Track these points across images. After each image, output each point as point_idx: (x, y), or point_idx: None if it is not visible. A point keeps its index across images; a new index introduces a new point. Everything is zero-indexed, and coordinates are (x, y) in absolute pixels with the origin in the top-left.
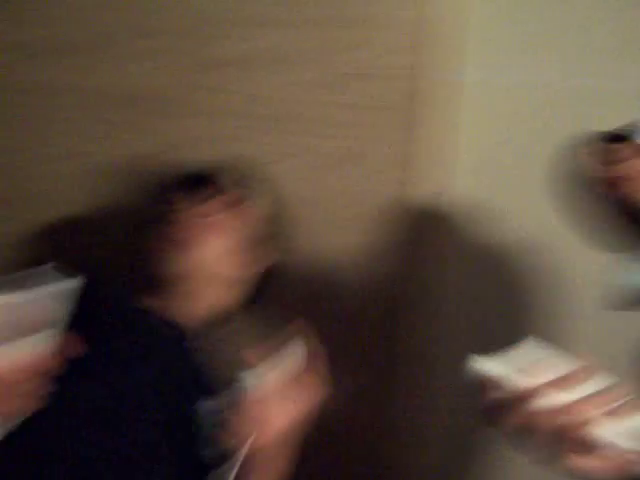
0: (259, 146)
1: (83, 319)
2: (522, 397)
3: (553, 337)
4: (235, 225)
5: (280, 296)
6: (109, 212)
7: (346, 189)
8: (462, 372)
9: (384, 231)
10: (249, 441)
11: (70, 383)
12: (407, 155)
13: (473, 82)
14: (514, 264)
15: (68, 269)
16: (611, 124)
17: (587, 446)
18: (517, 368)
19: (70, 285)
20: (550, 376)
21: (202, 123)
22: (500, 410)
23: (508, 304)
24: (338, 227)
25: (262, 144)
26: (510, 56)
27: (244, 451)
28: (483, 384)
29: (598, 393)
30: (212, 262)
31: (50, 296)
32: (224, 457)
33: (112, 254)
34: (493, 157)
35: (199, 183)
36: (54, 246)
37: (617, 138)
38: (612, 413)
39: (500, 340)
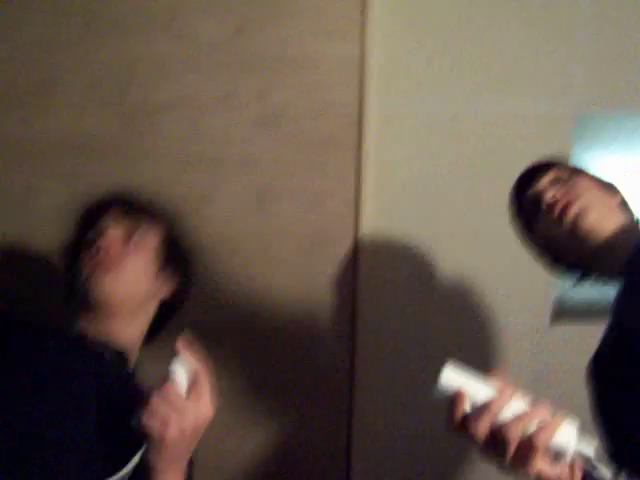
0: (198, 187)
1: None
2: (490, 408)
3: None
4: (150, 248)
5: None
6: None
7: (281, 224)
8: (432, 388)
9: (330, 268)
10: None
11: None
12: (343, 191)
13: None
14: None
15: None
16: (537, 149)
17: (552, 452)
18: (476, 383)
19: None
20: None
21: (141, 166)
22: (471, 422)
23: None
24: (275, 262)
25: (201, 185)
26: (433, 87)
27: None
28: (452, 398)
29: (534, 407)
30: (139, 284)
31: None
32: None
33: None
34: (416, 189)
35: (121, 210)
36: None
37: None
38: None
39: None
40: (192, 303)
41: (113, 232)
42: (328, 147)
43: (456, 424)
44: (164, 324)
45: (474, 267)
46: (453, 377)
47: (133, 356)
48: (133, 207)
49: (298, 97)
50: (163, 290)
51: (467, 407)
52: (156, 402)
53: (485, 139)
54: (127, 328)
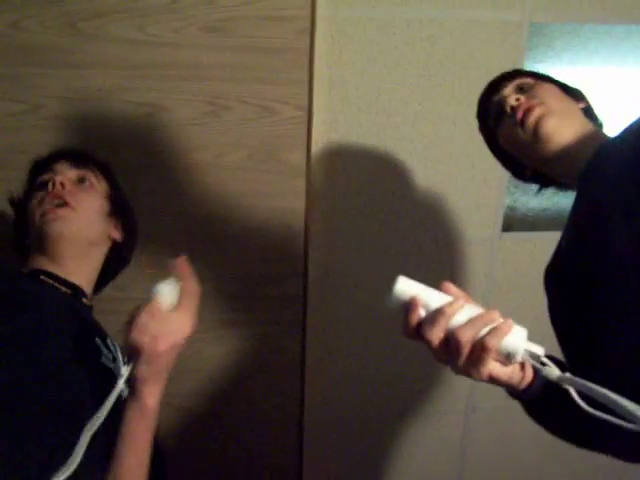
0: (149, 94)
1: None
2: (445, 313)
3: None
4: (101, 191)
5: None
6: None
7: (234, 132)
8: (385, 295)
9: (281, 177)
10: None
11: None
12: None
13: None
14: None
15: None
16: (491, 56)
17: (503, 355)
18: (431, 290)
19: None
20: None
21: (90, 73)
22: (425, 327)
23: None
24: (228, 170)
25: (153, 91)
26: None
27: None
28: (407, 305)
29: (485, 312)
30: (92, 222)
31: None
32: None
33: None
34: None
35: (71, 154)
36: None
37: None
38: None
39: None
40: (147, 210)
41: (68, 173)
42: (280, 53)
43: (411, 330)
44: (113, 273)
45: (428, 178)
46: (407, 284)
47: (88, 296)
48: (81, 158)
49: (248, 1)
50: (112, 235)
51: (422, 313)
52: (144, 317)
53: (439, 46)
54: (78, 269)
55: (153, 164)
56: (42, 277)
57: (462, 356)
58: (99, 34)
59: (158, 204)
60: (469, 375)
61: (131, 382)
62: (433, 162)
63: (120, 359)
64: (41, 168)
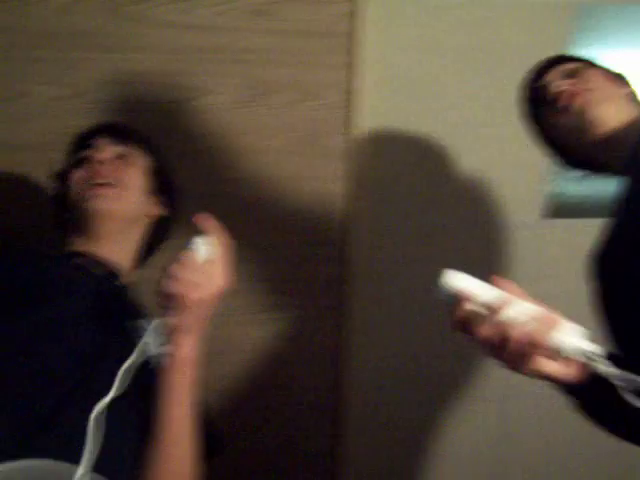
0: (193, 78)
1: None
2: (494, 307)
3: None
4: (142, 168)
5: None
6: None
7: (275, 116)
8: (435, 288)
9: (323, 161)
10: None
11: None
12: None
13: None
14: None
15: None
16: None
17: (554, 350)
18: (480, 284)
19: None
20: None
21: (135, 57)
22: (473, 321)
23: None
24: (270, 154)
25: (197, 75)
26: None
27: (177, 313)
28: (456, 298)
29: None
30: (132, 200)
31: None
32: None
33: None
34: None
35: (114, 129)
36: None
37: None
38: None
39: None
40: (191, 193)
41: (109, 149)
42: (323, 36)
43: (458, 324)
44: (153, 249)
45: (471, 163)
46: (456, 278)
47: (124, 276)
48: (123, 134)
49: None
50: (151, 213)
51: (470, 307)
52: (177, 268)
53: (486, 29)
54: (117, 248)
55: (196, 148)
56: (76, 261)
57: (510, 352)
58: (144, 18)
59: (201, 188)
60: (516, 370)
61: (168, 333)
62: (476, 147)
63: (156, 341)
64: (82, 143)
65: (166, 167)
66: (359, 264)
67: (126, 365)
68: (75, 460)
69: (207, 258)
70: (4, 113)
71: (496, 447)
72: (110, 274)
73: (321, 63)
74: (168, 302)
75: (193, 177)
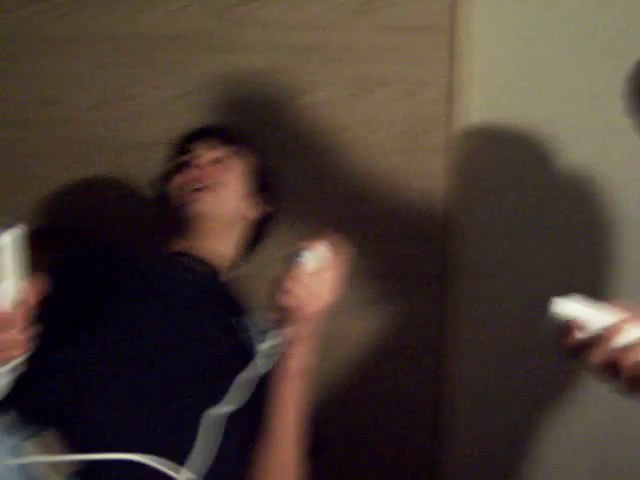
0: (297, 76)
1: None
2: (606, 335)
3: None
4: (244, 169)
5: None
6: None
7: (377, 112)
8: (544, 316)
9: (425, 156)
10: (298, 314)
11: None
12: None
13: None
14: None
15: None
16: None
17: None
18: (592, 311)
19: (9, 237)
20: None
21: (240, 58)
22: (585, 349)
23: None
24: (373, 149)
25: (300, 74)
26: None
27: (292, 324)
28: (567, 325)
29: None
30: (231, 202)
31: None
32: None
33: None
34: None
35: (213, 133)
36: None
37: None
38: None
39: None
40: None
41: (207, 154)
42: (422, 32)
43: (569, 351)
44: (254, 246)
45: (578, 157)
46: (564, 306)
47: (225, 274)
48: (221, 137)
49: None
50: (251, 214)
51: (582, 335)
52: (290, 282)
53: (594, 17)
54: (217, 247)
55: (300, 145)
56: (180, 259)
57: (624, 378)
58: (249, 19)
59: (304, 185)
60: (631, 395)
61: (280, 345)
62: (582, 140)
63: (258, 336)
64: (181, 148)
65: (266, 166)
66: (461, 259)
67: (241, 379)
68: (179, 461)
69: (316, 269)
70: (114, 116)
71: (602, 448)
72: (212, 272)
73: (423, 58)
74: (281, 315)
75: (297, 174)
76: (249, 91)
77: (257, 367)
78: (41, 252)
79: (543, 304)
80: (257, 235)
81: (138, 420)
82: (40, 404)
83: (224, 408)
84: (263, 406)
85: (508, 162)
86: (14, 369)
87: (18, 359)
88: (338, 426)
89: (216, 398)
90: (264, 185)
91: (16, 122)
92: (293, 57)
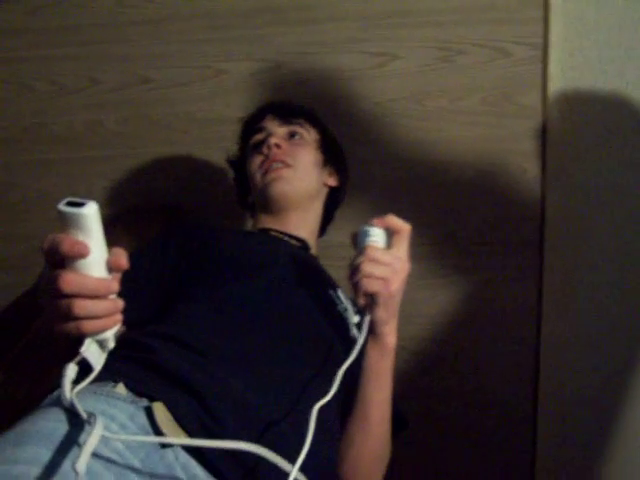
0: (385, 43)
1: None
2: None
3: None
4: (312, 143)
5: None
6: None
7: (467, 76)
8: None
9: (518, 120)
10: (382, 291)
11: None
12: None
13: None
14: None
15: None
16: None
17: None
18: None
19: (87, 210)
20: None
21: (325, 28)
22: None
23: None
24: (462, 115)
25: (389, 40)
26: None
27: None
28: None
29: None
30: (311, 177)
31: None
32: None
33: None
34: None
35: (281, 108)
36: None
37: None
38: None
39: None
40: (382, 159)
41: (279, 130)
42: None
43: None
44: (331, 216)
45: None
46: None
47: (312, 247)
48: (289, 112)
49: None
50: (328, 183)
51: None
52: (368, 265)
53: None
54: (302, 221)
55: (387, 113)
56: (274, 235)
57: None
58: None
59: (391, 153)
60: None
61: (370, 325)
62: None
63: (350, 309)
64: (252, 127)
65: (334, 137)
66: (555, 224)
67: (345, 365)
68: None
69: (388, 244)
70: (204, 91)
71: None
72: (305, 246)
73: (513, 18)
74: (369, 299)
75: (383, 143)
76: (334, 60)
77: (355, 353)
78: (132, 231)
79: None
80: (333, 205)
81: (252, 398)
82: (151, 375)
83: (327, 398)
84: (352, 390)
85: (602, 124)
86: (112, 338)
87: (116, 327)
88: (433, 396)
89: (324, 389)
90: (334, 155)
91: (106, 103)
92: (379, 24)
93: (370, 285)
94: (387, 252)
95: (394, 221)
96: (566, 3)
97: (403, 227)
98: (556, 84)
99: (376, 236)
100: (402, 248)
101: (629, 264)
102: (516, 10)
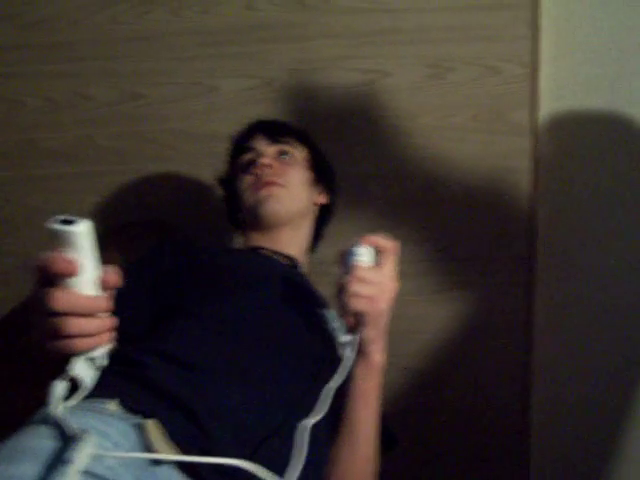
0: (375, 60)
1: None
2: None
3: None
4: (302, 162)
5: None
6: None
7: (458, 93)
8: None
9: (508, 137)
10: (369, 312)
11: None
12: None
13: None
14: None
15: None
16: None
17: None
18: None
19: (79, 228)
20: None
21: (317, 45)
22: None
23: None
24: (452, 131)
25: (378, 58)
26: None
27: (365, 323)
28: None
29: None
30: (301, 196)
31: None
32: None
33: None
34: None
35: (270, 126)
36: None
37: None
38: None
39: None
40: (373, 176)
41: (269, 149)
42: (502, 10)
43: None
44: (321, 233)
45: None
46: None
47: (302, 265)
48: (278, 131)
49: None
50: (318, 202)
51: None
52: (355, 285)
53: None
54: (293, 240)
55: (378, 130)
56: (263, 253)
57: None
58: (325, 6)
59: (382, 170)
60: None
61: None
62: None
63: (339, 328)
64: (242, 146)
65: (323, 155)
66: (546, 240)
67: (333, 384)
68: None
69: (374, 263)
70: (195, 108)
71: None
72: (294, 264)
73: (503, 37)
74: (356, 319)
75: (375, 160)
76: (325, 78)
77: (345, 371)
78: (123, 247)
79: (631, 282)
80: (322, 223)
81: (242, 412)
82: (144, 392)
83: (316, 417)
84: (339, 408)
85: (593, 140)
86: (103, 355)
87: (107, 345)
88: (424, 411)
89: (313, 407)
90: (323, 173)
91: (98, 119)
92: (370, 41)
93: (357, 304)
94: (374, 271)
95: (380, 240)
96: (555, 22)
97: (388, 245)
98: (546, 102)
99: (363, 255)
100: (389, 266)
101: (619, 279)
102: (506, 28)
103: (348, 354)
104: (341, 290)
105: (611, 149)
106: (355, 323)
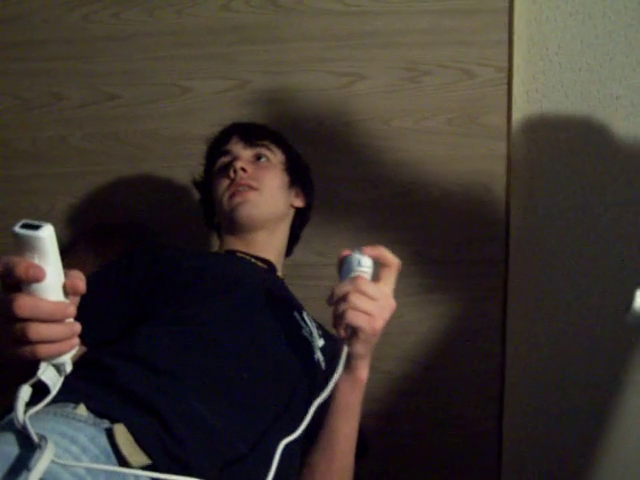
0: (350, 63)
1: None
2: None
3: None
4: (278, 165)
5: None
6: None
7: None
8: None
9: (483, 140)
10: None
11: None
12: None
13: None
14: None
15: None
16: None
17: None
18: None
19: (44, 233)
20: None
21: (293, 47)
22: None
23: None
24: (428, 135)
25: (354, 61)
26: None
27: (357, 339)
28: None
29: None
30: (277, 199)
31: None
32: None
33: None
34: None
35: (246, 129)
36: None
37: None
38: None
39: None
40: (348, 179)
41: (245, 153)
42: (478, 14)
43: None
44: (298, 236)
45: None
46: None
47: (278, 268)
48: (253, 133)
49: None
50: (294, 204)
51: None
52: (355, 297)
53: None
54: (269, 243)
55: (353, 133)
56: (240, 256)
57: None
58: (301, 8)
59: (358, 173)
60: None
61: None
62: None
63: (315, 333)
64: (218, 150)
65: (299, 158)
66: (520, 243)
67: (319, 400)
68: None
69: (372, 277)
70: (169, 109)
71: None
72: (271, 268)
73: (479, 41)
74: (350, 332)
75: (347, 162)
76: (300, 80)
77: (331, 387)
78: (98, 248)
79: (603, 286)
80: (299, 226)
81: (217, 422)
82: (112, 396)
83: (297, 433)
84: (317, 419)
85: (567, 144)
86: (68, 361)
87: (73, 351)
88: (396, 414)
89: (288, 416)
90: (299, 176)
91: (71, 119)
92: (346, 44)
93: (355, 319)
94: (376, 286)
95: (385, 254)
96: (529, 27)
97: (394, 262)
98: (520, 106)
99: (366, 266)
100: (390, 284)
101: (592, 282)
102: (481, 33)
103: (338, 369)
104: (339, 300)
105: (584, 153)
106: (347, 336)
